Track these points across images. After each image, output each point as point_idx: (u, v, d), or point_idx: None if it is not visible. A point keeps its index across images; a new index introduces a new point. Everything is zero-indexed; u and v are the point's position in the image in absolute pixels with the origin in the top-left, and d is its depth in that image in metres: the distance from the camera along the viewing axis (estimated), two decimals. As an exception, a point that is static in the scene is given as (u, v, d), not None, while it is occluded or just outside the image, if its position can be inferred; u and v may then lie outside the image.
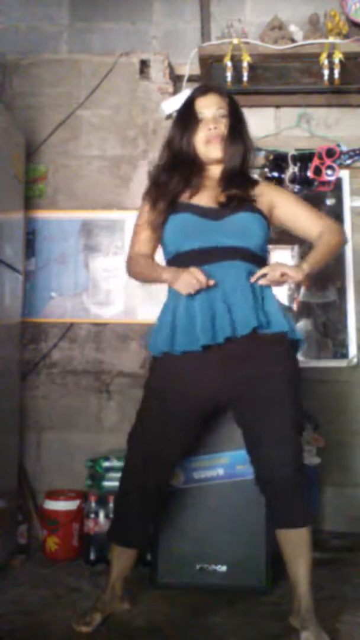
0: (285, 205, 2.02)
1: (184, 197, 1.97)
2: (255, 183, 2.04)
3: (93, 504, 2.58)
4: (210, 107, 1.99)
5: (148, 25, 3.30)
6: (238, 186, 1.97)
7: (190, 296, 1.83)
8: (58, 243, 3.06)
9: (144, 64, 3.12)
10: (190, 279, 1.80)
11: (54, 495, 2.69)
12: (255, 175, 3.05)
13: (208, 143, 1.98)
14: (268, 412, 1.84)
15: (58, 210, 3.08)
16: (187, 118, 2.01)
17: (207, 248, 1.89)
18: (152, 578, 2.27)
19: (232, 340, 1.82)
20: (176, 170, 1.99)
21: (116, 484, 2.60)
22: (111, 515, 2.53)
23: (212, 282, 1.82)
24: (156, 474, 1.94)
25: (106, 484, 2.66)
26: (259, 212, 1.95)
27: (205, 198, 1.96)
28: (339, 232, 2.01)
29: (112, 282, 3.03)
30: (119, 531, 2.01)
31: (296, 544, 1.86)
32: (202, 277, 1.80)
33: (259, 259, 1.94)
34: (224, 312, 1.81)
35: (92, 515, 2.57)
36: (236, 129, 2.01)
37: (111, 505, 2.55)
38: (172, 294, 1.93)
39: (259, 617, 2.03)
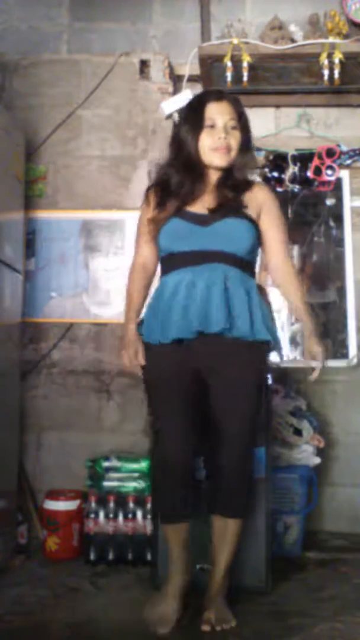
0: (266, 223, 2.07)
1: (192, 198, 2.02)
2: (250, 185, 2.08)
3: (93, 504, 2.58)
4: (223, 115, 2.01)
5: (148, 25, 3.30)
6: (231, 190, 2.03)
7: (175, 292, 1.94)
8: (58, 243, 3.06)
9: (144, 64, 3.12)
10: (125, 356, 2.04)
11: (54, 495, 2.69)
12: (254, 176, 3.07)
13: (215, 151, 2.01)
14: (228, 403, 1.96)
15: (58, 210, 3.08)
16: (197, 120, 2.02)
17: (193, 251, 1.97)
18: (152, 578, 2.27)
19: (206, 338, 1.92)
20: (187, 175, 2.03)
21: (116, 484, 2.64)
22: (111, 515, 2.55)
23: (138, 368, 2.02)
24: (188, 446, 1.98)
25: (106, 484, 2.65)
26: (247, 217, 2.02)
27: (201, 204, 2.02)
28: (295, 280, 2.11)
29: (112, 282, 3.03)
30: (169, 511, 2.02)
31: (224, 532, 2.00)
32: (127, 362, 2.04)
33: (245, 263, 2.02)
34: (200, 310, 1.91)
35: (92, 515, 2.57)
36: (246, 142, 2.06)
37: (111, 505, 2.57)
38: (157, 291, 2.04)
39: (259, 617, 2.03)
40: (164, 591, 1.99)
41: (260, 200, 2.06)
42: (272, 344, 2.01)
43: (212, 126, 2.00)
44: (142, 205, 2.13)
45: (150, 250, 2.12)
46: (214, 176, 2.06)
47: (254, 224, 2.04)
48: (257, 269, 2.14)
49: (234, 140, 2.02)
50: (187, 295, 1.93)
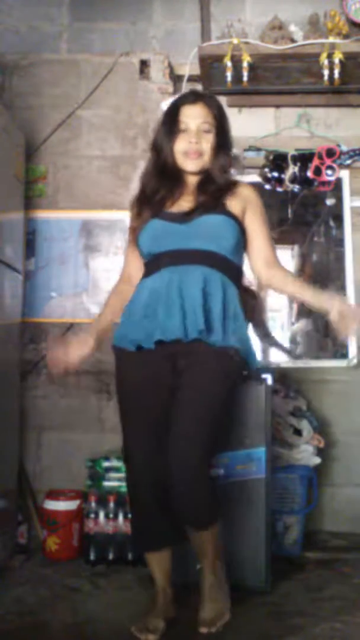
0: (250, 219, 2.01)
1: (166, 207, 1.99)
2: (233, 185, 2.03)
3: (93, 504, 2.58)
4: (195, 119, 1.97)
5: (148, 25, 3.30)
6: (211, 193, 1.97)
7: (154, 296, 1.88)
8: (58, 243, 3.06)
9: (144, 64, 3.12)
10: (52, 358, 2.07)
11: (54, 495, 2.69)
12: (254, 176, 3.06)
13: (186, 155, 1.97)
14: (187, 407, 1.85)
15: (58, 210, 3.08)
16: (172, 125, 1.99)
17: (174, 251, 1.92)
18: (152, 578, 2.27)
19: (180, 342, 1.85)
20: (164, 181, 2.00)
21: (116, 483, 2.64)
22: (111, 515, 2.55)
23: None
24: (159, 468, 1.90)
25: (106, 484, 2.66)
26: (229, 214, 1.96)
27: (179, 206, 1.98)
28: (288, 272, 2.06)
29: (112, 282, 2.99)
30: (144, 538, 1.98)
31: (199, 542, 1.94)
32: (52, 366, 2.08)
33: (228, 263, 1.96)
34: (176, 314, 1.84)
35: (92, 515, 2.57)
36: (222, 145, 2.01)
37: (111, 505, 2.57)
38: (135, 294, 1.97)
39: (259, 617, 2.03)
40: (151, 605, 1.96)
41: (243, 197, 2.01)
42: (242, 353, 1.90)
43: (185, 130, 1.97)
44: (130, 217, 2.11)
45: (135, 262, 2.07)
46: (192, 180, 2.02)
47: (237, 221, 1.97)
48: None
49: (207, 143, 1.97)
50: (163, 300, 1.86)
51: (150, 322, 1.87)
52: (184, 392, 1.87)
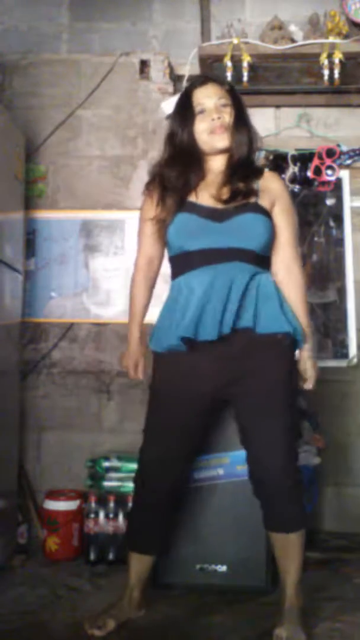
0: (278, 218, 1.97)
1: (191, 195, 1.93)
2: (260, 173, 2.00)
3: (93, 504, 2.58)
4: (210, 97, 1.94)
5: (148, 25, 3.30)
6: (242, 179, 1.94)
7: (191, 294, 1.84)
8: (58, 243, 3.06)
9: (144, 64, 3.12)
10: (126, 365, 2.04)
11: (54, 495, 2.69)
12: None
13: (213, 133, 1.93)
14: (260, 414, 1.86)
15: (58, 210, 3.08)
16: (186, 110, 1.96)
17: (209, 249, 1.87)
18: (152, 578, 2.27)
19: (227, 339, 1.82)
20: (178, 165, 1.96)
21: (116, 483, 2.64)
22: (111, 515, 2.55)
23: (140, 377, 2.03)
24: (171, 476, 1.94)
25: (106, 484, 2.66)
26: (262, 211, 1.92)
27: (209, 195, 1.92)
28: (303, 287, 2.00)
29: (112, 282, 3.03)
30: (136, 538, 2.00)
31: (286, 547, 1.89)
32: (132, 372, 2.04)
33: (262, 260, 1.93)
34: (218, 312, 1.81)
35: (92, 515, 2.57)
36: (241, 118, 1.97)
37: (111, 505, 2.56)
38: (172, 293, 1.93)
39: (259, 617, 2.03)
40: (110, 604, 1.99)
41: (273, 192, 1.96)
42: (298, 342, 1.91)
43: (203, 111, 1.94)
44: (143, 202, 2.04)
45: (154, 249, 2.04)
46: (214, 164, 1.98)
47: (269, 217, 1.93)
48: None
49: (229, 116, 1.93)
50: (206, 297, 1.82)
51: (193, 322, 1.82)
52: (254, 396, 1.86)
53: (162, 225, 1.96)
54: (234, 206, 1.89)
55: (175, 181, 1.94)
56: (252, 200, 1.92)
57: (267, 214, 1.93)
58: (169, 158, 2.00)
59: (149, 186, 2.03)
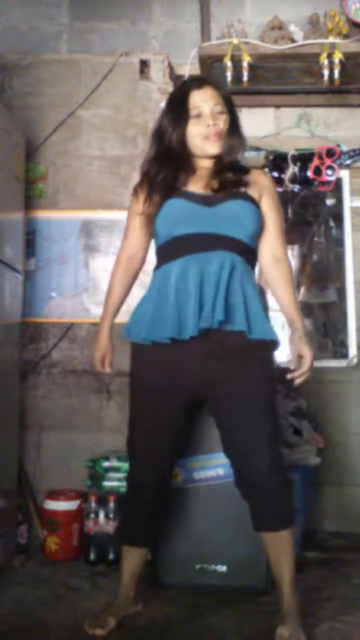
0: (265, 208, 1.98)
1: (179, 185, 1.94)
2: (247, 170, 2.01)
3: (93, 504, 2.58)
4: (207, 102, 1.94)
5: (148, 25, 3.30)
6: (231, 172, 1.95)
7: (176, 285, 1.84)
8: (58, 243, 3.06)
9: (144, 64, 3.11)
10: (94, 357, 2.10)
11: (54, 495, 2.69)
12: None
13: (207, 139, 1.94)
14: (244, 416, 1.86)
15: (58, 210, 3.07)
16: (180, 110, 1.95)
17: (197, 234, 1.87)
18: (152, 578, 2.27)
19: (214, 338, 1.83)
20: (166, 163, 1.96)
21: (116, 483, 2.64)
22: (111, 515, 2.55)
23: (108, 371, 2.07)
24: (158, 469, 1.95)
25: (106, 484, 2.66)
26: (251, 200, 1.94)
27: (199, 185, 1.93)
28: (291, 278, 2.01)
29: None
30: (127, 531, 2.02)
31: (277, 546, 1.90)
32: (98, 366, 2.08)
33: (249, 251, 1.93)
34: (196, 310, 1.80)
35: (92, 515, 2.57)
36: (234, 125, 1.99)
37: (111, 505, 2.57)
38: (156, 281, 1.92)
39: (259, 617, 2.03)
40: (108, 602, 2.00)
41: (261, 185, 1.98)
42: (277, 343, 1.92)
43: (199, 115, 1.93)
44: (131, 202, 2.05)
45: (138, 244, 2.04)
46: (204, 164, 1.98)
47: (258, 207, 1.94)
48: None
49: (224, 124, 1.94)
50: (188, 291, 1.81)
51: (175, 314, 1.82)
52: (237, 396, 1.86)
53: (150, 221, 1.97)
54: (224, 194, 1.91)
55: (162, 179, 1.94)
56: (242, 190, 1.94)
57: (256, 203, 1.94)
58: (155, 155, 2.01)
59: (137, 186, 2.04)
